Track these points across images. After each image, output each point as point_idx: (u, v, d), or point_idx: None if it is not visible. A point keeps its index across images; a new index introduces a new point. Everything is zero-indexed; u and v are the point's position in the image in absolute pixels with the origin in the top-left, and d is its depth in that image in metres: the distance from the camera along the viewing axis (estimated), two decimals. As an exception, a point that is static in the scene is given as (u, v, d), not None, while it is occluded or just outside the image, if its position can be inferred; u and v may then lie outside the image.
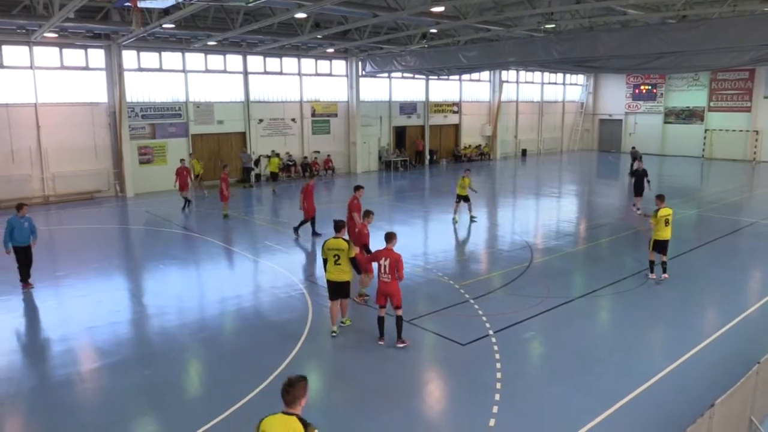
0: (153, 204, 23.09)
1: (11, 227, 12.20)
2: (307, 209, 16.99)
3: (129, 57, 25.27)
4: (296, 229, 17.42)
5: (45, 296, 12.28)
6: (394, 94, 35.68)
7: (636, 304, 11.52)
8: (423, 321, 10.71)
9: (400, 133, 36.59)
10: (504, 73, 40.64)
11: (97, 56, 24.53)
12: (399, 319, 9.44)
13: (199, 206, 22.60)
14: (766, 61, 24.29)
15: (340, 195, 23.14)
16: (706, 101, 41.61)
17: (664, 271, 12.78)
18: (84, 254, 15.79)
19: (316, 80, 31.96)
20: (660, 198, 12.95)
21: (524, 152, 43.88)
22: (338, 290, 9.88)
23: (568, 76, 46.56)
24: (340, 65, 32.73)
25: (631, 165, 32.23)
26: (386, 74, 33.92)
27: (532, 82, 44.30)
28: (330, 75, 32.52)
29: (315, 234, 17.18)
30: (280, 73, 30.52)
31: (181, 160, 23.19)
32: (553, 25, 21.99)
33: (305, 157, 31.80)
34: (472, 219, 19.36)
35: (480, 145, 41.04)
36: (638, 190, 20.82)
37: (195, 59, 27.34)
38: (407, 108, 36.51)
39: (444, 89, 38.50)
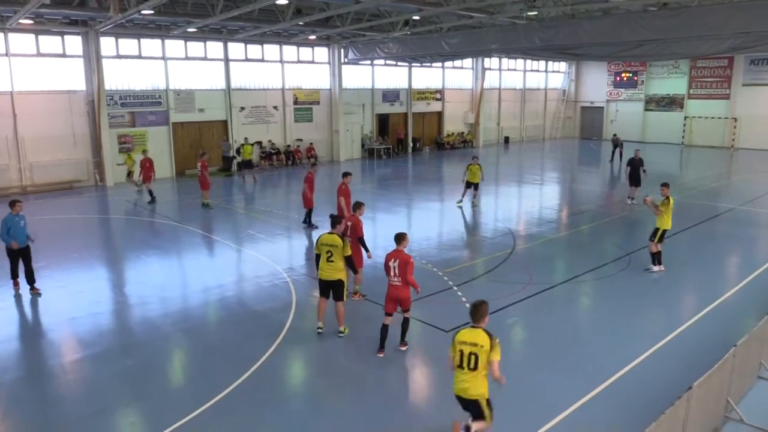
0: (133, 193, 22.80)
1: (7, 227, 11.46)
2: (310, 199, 16.82)
3: (107, 44, 24.81)
4: (309, 222, 17.06)
5: (24, 288, 12.09)
6: (376, 82, 35.52)
7: (616, 290, 11.68)
8: (407, 308, 10.78)
9: (383, 121, 36.50)
10: (486, 60, 40.63)
11: (75, 43, 24.04)
12: (405, 322, 9.02)
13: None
14: (744, 49, 24.57)
15: (323, 183, 23.06)
16: (685, 89, 42.04)
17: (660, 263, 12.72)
18: (63, 245, 15.56)
19: (298, 67, 31.70)
20: (666, 186, 12.74)
21: (507, 140, 44.02)
22: (329, 290, 9.38)
23: (550, 63, 46.69)
24: (322, 52, 32.48)
25: (612, 152, 32.58)
26: (369, 61, 33.76)
27: (515, 70, 44.38)
28: (312, 62, 32.27)
29: (309, 224, 17.04)
30: (262, 61, 30.21)
31: (143, 152, 22.65)
32: (535, 13, 21.98)
33: (288, 146, 31.60)
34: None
35: (463, 133, 41.09)
36: (635, 180, 20.01)
37: (175, 46, 26.94)
38: (390, 95, 36.40)
39: (427, 77, 38.41)
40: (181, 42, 27.02)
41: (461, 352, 6.18)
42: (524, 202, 20.10)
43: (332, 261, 9.21)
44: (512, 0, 20.10)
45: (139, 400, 7.78)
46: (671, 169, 30.83)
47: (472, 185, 19.63)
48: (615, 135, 33.68)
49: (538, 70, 46.47)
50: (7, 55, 22.54)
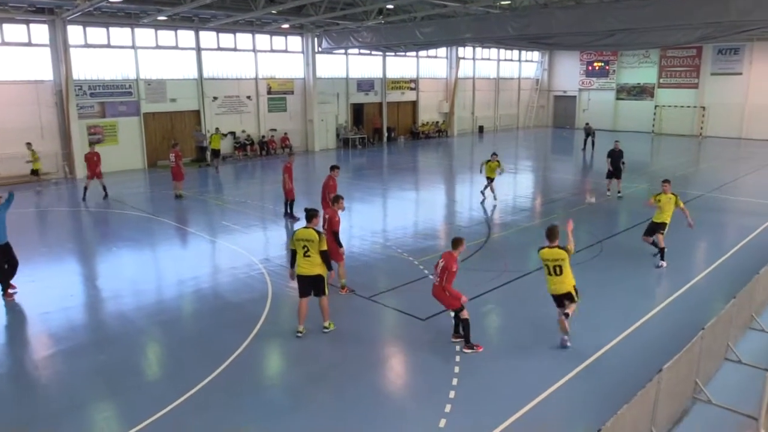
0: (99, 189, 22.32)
1: None
2: (291, 189, 16.52)
3: (75, 32, 24.21)
4: (290, 215, 16.66)
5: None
6: (351, 71, 35.35)
7: (589, 276, 11.84)
8: (383, 297, 10.81)
9: (357, 111, 36.37)
10: (461, 49, 40.69)
11: (41, 32, 23.40)
12: (464, 323, 8.67)
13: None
14: (713, 39, 25.03)
15: (298, 173, 22.92)
16: (656, 78, 42.70)
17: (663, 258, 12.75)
18: (32, 238, 15.25)
19: (271, 57, 31.37)
20: (668, 182, 12.95)
21: (481, 129, 44.24)
22: (310, 286, 8.99)
23: (523, 53, 46.97)
24: (295, 41, 32.19)
25: (585, 141, 32.99)
26: (343, 51, 33.55)
27: (489, 59, 44.54)
28: (285, 51, 31.97)
29: (290, 216, 16.72)
30: (235, 50, 29.82)
31: (90, 145, 22.01)
32: (508, 2, 22.09)
33: (262, 136, 31.32)
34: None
35: (437, 122, 41.18)
36: (616, 172, 19.56)
37: (145, 35, 26.40)
38: (365, 85, 36.26)
39: (401, 66, 38.34)
40: (151, 30, 26.49)
41: (547, 266, 8.53)
42: (499, 191, 20.16)
43: (309, 256, 8.84)
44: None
45: (114, 395, 7.68)
46: (642, 157, 31.31)
47: (490, 181, 19.34)
48: (587, 124, 34.10)
49: (511, 60, 46.71)
50: (-31, 43, 21.92)
